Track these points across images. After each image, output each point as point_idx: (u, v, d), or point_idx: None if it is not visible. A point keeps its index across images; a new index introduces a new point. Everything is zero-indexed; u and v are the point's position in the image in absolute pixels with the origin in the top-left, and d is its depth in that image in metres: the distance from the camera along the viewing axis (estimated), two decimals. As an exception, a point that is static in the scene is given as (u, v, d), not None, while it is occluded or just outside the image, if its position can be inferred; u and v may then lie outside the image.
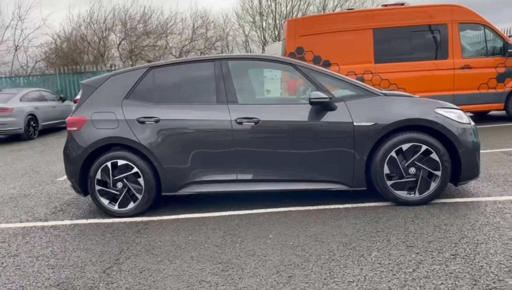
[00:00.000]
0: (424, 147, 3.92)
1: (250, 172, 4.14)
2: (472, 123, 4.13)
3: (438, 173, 3.93)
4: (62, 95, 14.66)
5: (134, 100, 4.30)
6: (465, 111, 7.88)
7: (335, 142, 3.99)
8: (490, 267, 2.70)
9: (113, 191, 4.26)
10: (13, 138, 11.97)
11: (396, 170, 3.96)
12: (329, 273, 2.78)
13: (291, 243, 3.30)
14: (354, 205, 4.11)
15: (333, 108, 4.00)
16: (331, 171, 4.05)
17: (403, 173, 3.96)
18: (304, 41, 9.05)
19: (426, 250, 3.01)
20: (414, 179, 3.96)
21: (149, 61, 22.17)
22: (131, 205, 4.26)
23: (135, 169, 4.20)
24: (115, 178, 4.23)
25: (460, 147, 3.92)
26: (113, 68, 18.69)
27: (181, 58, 4.74)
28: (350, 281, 2.66)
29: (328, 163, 4.03)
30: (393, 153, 3.94)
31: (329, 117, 4.00)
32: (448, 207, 3.89)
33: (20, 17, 22.86)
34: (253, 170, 4.13)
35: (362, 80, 8.84)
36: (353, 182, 4.05)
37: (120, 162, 4.22)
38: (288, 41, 9.20)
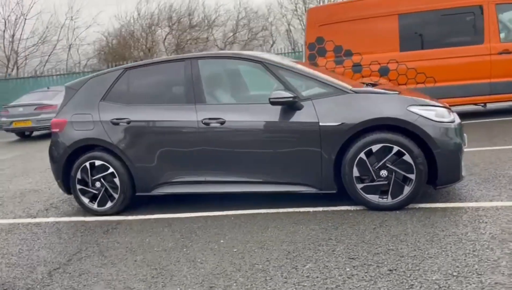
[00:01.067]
0: (395, 148, 3.63)
1: (218, 173, 4.08)
2: (457, 121, 3.76)
3: (412, 176, 3.63)
4: None
5: (109, 102, 4.39)
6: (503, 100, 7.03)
7: (301, 144, 3.82)
8: (420, 287, 2.45)
9: (93, 191, 4.40)
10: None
11: (366, 173, 3.71)
12: (250, 285, 2.67)
13: (235, 250, 3.22)
14: (326, 209, 3.92)
15: (298, 108, 3.82)
16: (298, 173, 3.89)
17: (374, 176, 3.70)
18: (325, 30, 8.72)
19: (364, 264, 2.79)
20: (386, 182, 3.69)
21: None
22: (109, 204, 4.38)
23: (111, 170, 4.31)
24: (94, 178, 4.36)
25: (436, 148, 3.58)
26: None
27: (155, 58, 4.75)
28: (266, 295, 2.54)
29: (295, 165, 3.87)
30: (362, 155, 3.69)
31: (296, 117, 3.83)
32: (421, 214, 3.59)
33: (72, 17, 24.19)
34: (221, 171, 4.07)
35: (387, 70, 8.40)
36: (321, 185, 3.86)
37: (97, 163, 4.34)
38: (308, 31, 8.92)
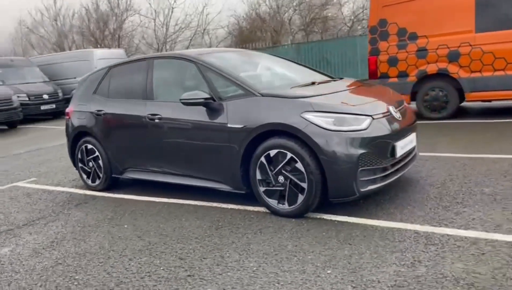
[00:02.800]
0: (289, 155, 3.52)
1: (159, 164, 4.53)
2: (364, 131, 3.40)
3: (304, 185, 3.48)
4: None
5: (98, 95, 5.18)
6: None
7: (214, 143, 3.97)
8: (182, 295, 2.56)
9: (87, 169, 5.31)
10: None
11: (267, 177, 3.70)
12: (99, 263, 3.13)
13: (119, 236, 3.68)
14: (239, 207, 4.03)
15: (214, 109, 3.96)
16: (215, 171, 4.06)
17: (273, 180, 3.67)
18: (389, 12, 8.00)
19: (171, 267, 2.97)
20: (283, 188, 3.62)
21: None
22: (97, 181, 5.23)
23: (97, 153, 5.13)
24: (87, 158, 5.26)
25: (323, 158, 3.36)
26: (287, 44, 19.79)
27: (132, 57, 5.15)
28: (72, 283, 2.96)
29: (213, 164, 4.05)
30: (262, 159, 3.68)
31: (213, 117, 3.98)
32: (306, 225, 3.45)
33: (206, 4, 25.97)
34: (164, 163, 4.50)
35: (457, 55, 7.36)
36: (234, 185, 3.97)
37: (89, 146, 5.21)
38: (371, 14, 8.31)
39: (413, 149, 4.04)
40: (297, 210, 3.58)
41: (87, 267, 3.10)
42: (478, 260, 2.66)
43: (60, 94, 15.76)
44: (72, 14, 24.77)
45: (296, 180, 3.52)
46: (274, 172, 3.63)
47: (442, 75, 7.56)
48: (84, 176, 5.37)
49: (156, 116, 4.37)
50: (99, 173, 5.16)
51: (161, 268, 2.97)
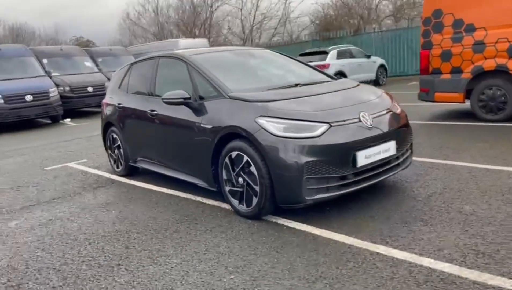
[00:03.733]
0: (245, 158, 3.60)
1: (157, 157, 4.88)
2: (316, 139, 3.34)
3: (257, 188, 3.54)
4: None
5: (120, 90, 5.68)
6: None
7: (192, 141, 4.17)
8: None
9: (114, 156, 5.90)
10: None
11: (230, 177, 3.82)
12: (37, 253, 3.60)
13: (100, 220, 4.09)
14: (215, 203, 4.21)
15: (193, 108, 4.15)
16: (195, 168, 4.27)
17: (234, 181, 3.78)
18: (445, 1, 7.32)
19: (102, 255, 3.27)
20: (242, 190, 3.71)
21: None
22: (120, 167, 5.79)
23: (118, 142, 5.67)
24: (113, 146, 5.83)
25: (270, 163, 3.38)
26: (372, 32, 18.98)
27: (147, 56, 5.32)
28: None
29: (192, 160, 4.27)
30: (227, 159, 3.80)
31: (191, 116, 4.16)
32: (254, 228, 3.52)
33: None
34: (158, 155, 4.85)
35: (519, 48, 6.52)
36: (207, 182, 4.15)
37: (114, 136, 5.77)
38: (425, 3, 7.68)
39: (391, 157, 3.80)
40: (252, 212, 3.66)
41: (53, 246, 3.56)
42: (381, 284, 2.52)
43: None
44: (169, 5, 26.58)
45: (251, 182, 3.59)
46: (235, 173, 3.73)
47: (500, 72, 6.76)
48: (112, 162, 5.97)
49: (154, 112, 4.70)
50: (121, 160, 5.70)
51: (105, 255, 3.29)
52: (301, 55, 14.47)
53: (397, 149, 3.84)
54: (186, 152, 4.32)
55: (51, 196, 5.11)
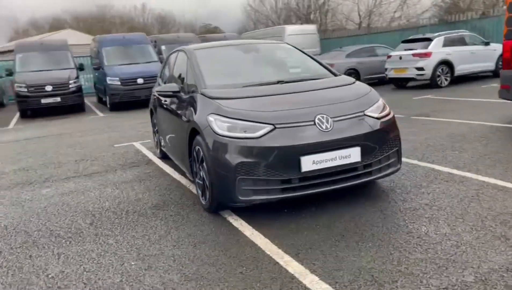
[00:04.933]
0: (201, 153, 3.74)
1: (166, 143, 5.30)
2: (256, 140, 3.32)
3: (208, 183, 3.67)
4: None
5: (160, 78, 6.19)
6: None
7: (178, 132, 4.45)
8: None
9: (155, 139, 6.49)
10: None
11: (196, 170, 4.00)
12: (42, 223, 4.26)
13: (102, 196, 4.66)
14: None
15: (182, 100, 4.40)
16: (182, 157, 4.53)
17: (197, 174, 3.95)
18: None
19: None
20: (202, 183, 3.87)
21: None
22: (158, 150, 6.36)
23: (156, 127, 6.24)
24: (154, 129, 6.43)
25: (211, 162, 3.47)
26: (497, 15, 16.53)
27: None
28: None
29: (179, 150, 4.55)
30: (194, 153, 3.98)
31: (180, 108, 4.43)
32: (199, 222, 3.66)
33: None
34: (167, 142, 5.28)
35: None
36: (189, 172, 4.38)
37: (155, 121, 6.34)
38: (511, -13, 6.51)
39: (355, 165, 3.53)
40: (207, 205, 3.80)
41: (51, 215, 4.20)
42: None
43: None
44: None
45: (204, 177, 3.73)
46: (198, 166, 3.90)
47: None
48: (154, 144, 6.59)
49: (166, 101, 5.07)
50: (157, 144, 6.27)
51: (71, 228, 3.79)
52: (403, 42, 13.43)
53: (366, 156, 3.55)
54: (177, 142, 4.61)
55: (94, 170, 5.90)
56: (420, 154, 5.26)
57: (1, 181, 5.67)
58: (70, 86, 13.54)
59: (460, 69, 12.56)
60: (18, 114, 13.71)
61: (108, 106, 13.79)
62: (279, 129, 3.37)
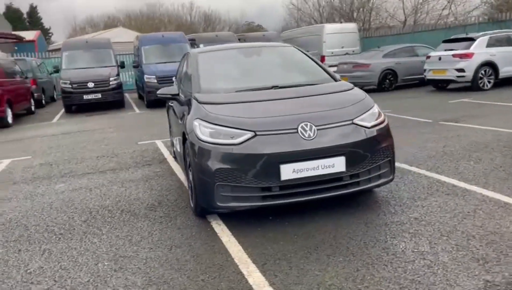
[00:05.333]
0: (188, 158, 3.79)
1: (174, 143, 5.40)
2: (236, 146, 3.32)
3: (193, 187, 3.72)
4: None
5: (176, 79, 6.30)
6: None
7: (179, 134, 4.51)
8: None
9: (170, 137, 6.64)
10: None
11: (187, 173, 4.05)
12: (49, 214, 4.47)
13: (103, 192, 4.84)
14: (193, 195, 4.49)
15: (181, 103, 4.47)
16: (181, 159, 4.60)
17: (188, 178, 4.01)
18: None
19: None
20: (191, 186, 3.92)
21: None
22: (172, 150, 6.50)
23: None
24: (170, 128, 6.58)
25: (193, 167, 3.52)
26: None
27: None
28: None
29: (179, 152, 4.62)
30: (186, 156, 4.03)
31: (179, 111, 4.52)
32: (186, 224, 3.71)
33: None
34: (174, 142, 5.37)
35: None
36: (185, 174, 4.44)
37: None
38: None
39: (340, 174, 3.44)
40: (194, 208, 3.84)
41: (54, 211, 4.40)
42: (193, 302, 2.51)
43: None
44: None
45: (191, 180, 3.78)
46: (188, 170, 3.95)
47: None
48: (170, 143, 6.74)
49: (172, 103, 5.18)
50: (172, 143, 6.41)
51: (65, 225, 3.96)
52: (444, 42, 12.81)
53: (352, 166, 3.45)
54: (178, 144, 4.69)
55: (110, 167, 6.12)
56: (431, 163, 5.02)
57: (25, 175, 6.02)
58: (111, 83, 14.07)
59: (506, 71, 11.82)
60: (63, 109, 14.45)
61: (145, 103, 14.22)
62: (259, 136, 3.35)
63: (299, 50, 4.96)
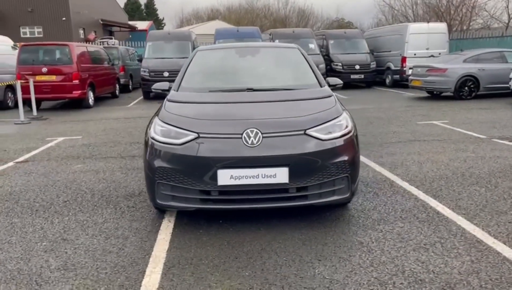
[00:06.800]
0: (152, 152, 3.88)
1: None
2: (177, 147, 3.34)
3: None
4: None
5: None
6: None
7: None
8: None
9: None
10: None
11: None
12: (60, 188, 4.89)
13: (111, 177, 5.16)
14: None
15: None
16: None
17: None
18: None
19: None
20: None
21: None
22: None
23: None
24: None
25: (144, 163, 3.58)
26: None
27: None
28: None
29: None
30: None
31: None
32: (143, 217, 3.81)
33: None
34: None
35: None
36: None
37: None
38: None
39: (284, 186, 3.26)
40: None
41: (52, 188, 4.82)
42: (78, 293, 2.60)
43: (373, 66, 16.84)
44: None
45: (150, 175, 3.87)
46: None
47: None
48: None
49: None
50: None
51: (48, 203, 4.31)
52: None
53: (298, 178, 3.26)
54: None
55: (132, 154, 6.47)
56: (436, 185, 4.50)
57: (62, 153, 6.62)
58: (184, 73, 14.77)
59: None
60: (142, 96, 15.52)
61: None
62: (202, 139, 3.31)
63: (300, 52, 4.75)
